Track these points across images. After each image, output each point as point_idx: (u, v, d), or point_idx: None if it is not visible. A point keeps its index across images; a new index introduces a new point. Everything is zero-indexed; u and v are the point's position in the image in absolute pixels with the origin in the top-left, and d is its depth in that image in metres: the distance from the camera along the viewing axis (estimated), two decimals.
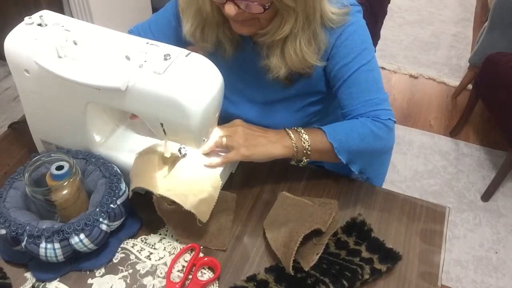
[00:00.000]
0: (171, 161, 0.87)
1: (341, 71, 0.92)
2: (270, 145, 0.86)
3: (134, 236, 0.84)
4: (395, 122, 0.92)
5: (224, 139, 0.86)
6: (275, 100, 1.02)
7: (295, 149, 0.87)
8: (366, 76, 0.91)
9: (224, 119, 0.95)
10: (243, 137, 0.86)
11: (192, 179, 0.83)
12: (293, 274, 0.76)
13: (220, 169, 0.86)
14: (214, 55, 0.98)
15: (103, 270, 0.79)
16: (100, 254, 0.79)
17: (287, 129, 0.90)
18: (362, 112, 0.91)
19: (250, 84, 1.02)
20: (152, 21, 1.08)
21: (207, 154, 0.89)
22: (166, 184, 0.82)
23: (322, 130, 0.89)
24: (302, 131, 0.89)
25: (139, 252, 0.82)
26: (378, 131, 0.89)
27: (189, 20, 0.92)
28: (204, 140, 0.84)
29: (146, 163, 0.84)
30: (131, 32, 1.09)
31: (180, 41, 1.04)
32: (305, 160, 0.89)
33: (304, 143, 0.87)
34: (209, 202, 0.82)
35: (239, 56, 0.98)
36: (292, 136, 0.88)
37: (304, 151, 0.88)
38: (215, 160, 0.87)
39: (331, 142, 0.87)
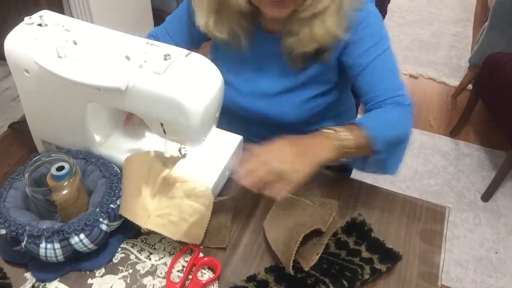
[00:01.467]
0: (171, 162, 0.87)
1: (361, 57, 0.93)
2: (319, 151, 0.81)
3: (134, 236, 0.84)
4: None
5: (273, 165, 0.75)
6: (285, 89, 1.02)
7: (340, 149, 0.82)
8: (387, 62, 0.93)
9: (231, 110, 0.99)
10: (294, 156, 0.77)
11: (184, 198, 0.82)
12: (293, 274, 0.76)
13: (212, 184, 0.85)
14: (228, 47, 0.99)
15: (103, 270, 0.79)
16: (100, 254, 0.79)
17: (324, 130, 0.84)
18: (385, 98, 0.91)
19: (262, 74, 1.03)
20: (167, 21, 1.10)
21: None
22: (156, 207, 0.82)
23: (357, 124, 0.86)
24: (341, 129, 0.84)
25: (139, 252, 0.82)
26: (403, 118, 0.90)
27: (204, 11, 0.93)
28: (204, 140, 0.83)
29: (135, 181, 0.82)
30: (149, 35, 1.11)
31: (194, 38, 1.06)
32: (346, 156, 0.85)
33: (346, 141, 0.83)
34: (202, 223, 0.82)
35: (253, 46, 0.99)
36: (333, 136, 0.83)
37: (347, 150, 0.83)
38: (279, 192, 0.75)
39: (372, 134, 0.83)
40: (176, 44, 1.05)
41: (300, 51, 0.93)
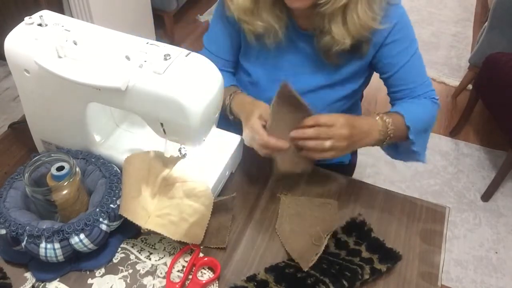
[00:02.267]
0: (171, 162, 0.87)
1: (397, 57, 0.97)
2: (363, 142, 0.89)
3: (134, 236, 0.84)
4: None
5: (328, 143, 0.81)
6: (318, 87, 1.03)
7: (378, 141, 0.91)
8: (419, 61, 1.00)
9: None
10: (346, 146, 0.84)
11: (184, 198, 0.82)
12: (306, 270, 0.77)
13: (212, 184, 0.85)
14: (260, 45, 1.00)
15: (103, 270, 0.79)
16: (100, 254, 0.79)
17: (378, 120, 0.91)
18: (420, 93, 0.99)
19: (294, 72, 1.03)
20: (206, 44, 1.09)
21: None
22: (156, 207, 0.82)
23: (400, 114, 0.93)
24: (390, 123, 0.91)
25: (139, 252, 0.82)
26: (435, 112, 1.00)
27: None
28: (204, 140, 0.83)
29: (135, 181, 0.82)
30: None
31: (237, 41, 1.06)
32: (383, 144, 0.94)
33: (389, 131, 0.91)
34: (202, 223, 0.82)
35: (286, 43, 0.99)
36: (382, 130, 0.90)
37: (386, 141, 0.92)
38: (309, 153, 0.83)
39: (408, 125, 0.92)
40: (224, 61, 1.08)
41: (336, 49, 0.93)
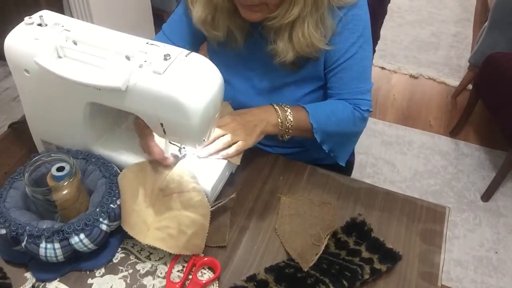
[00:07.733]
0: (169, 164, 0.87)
1: (336, 54, 0.95)
2: (262, 124, 0.92)
3: None
4: (371, 112, 1.02)
5: (228, 137, 0.88)
6: (282, 85, 1.03)
7: (280, 127, 0.94)
8: (358, 64, 0.96)
9: (233, 107, 1.01)
10: (242, 129, 0.90)
11: (181, 210, 0.81)
12: (306, 270, 0.77)
13: (211, 184, 0.84)
14: (224, 45, 1.00)
15: (103, 270, 0.79)
16: (100, 254, 0.79)
17: (275, 106, 0.95)
18: (346, 98, 0.99)
19: (259, 70, 1.03)
20: (165, 28, 1.10)
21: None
22: (155, 219, 0.82)
23: (305, 110, 0.96)
24: (289, 111, 0.95)
25: (139, 252, 0.82)
26: (355, 119, 0.98)
27: (200, 9, 0.94)
28: (204, 140, 0.83)
29: (131, 196, 0.81)
30: None
31: (195, 37, 1.06)
32: (286, 137, 0.97)
33: (288, 122, 0.94)
34: (202, 233, 0.81)
35: (249, 44, 0.99)
36: (280, 114, 0.94)
37: (286, 130, 0.95)
38: (230, 150, 0.88)
39: (311, 122, 0.94)
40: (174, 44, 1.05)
41: (277, 60, 0.94)
